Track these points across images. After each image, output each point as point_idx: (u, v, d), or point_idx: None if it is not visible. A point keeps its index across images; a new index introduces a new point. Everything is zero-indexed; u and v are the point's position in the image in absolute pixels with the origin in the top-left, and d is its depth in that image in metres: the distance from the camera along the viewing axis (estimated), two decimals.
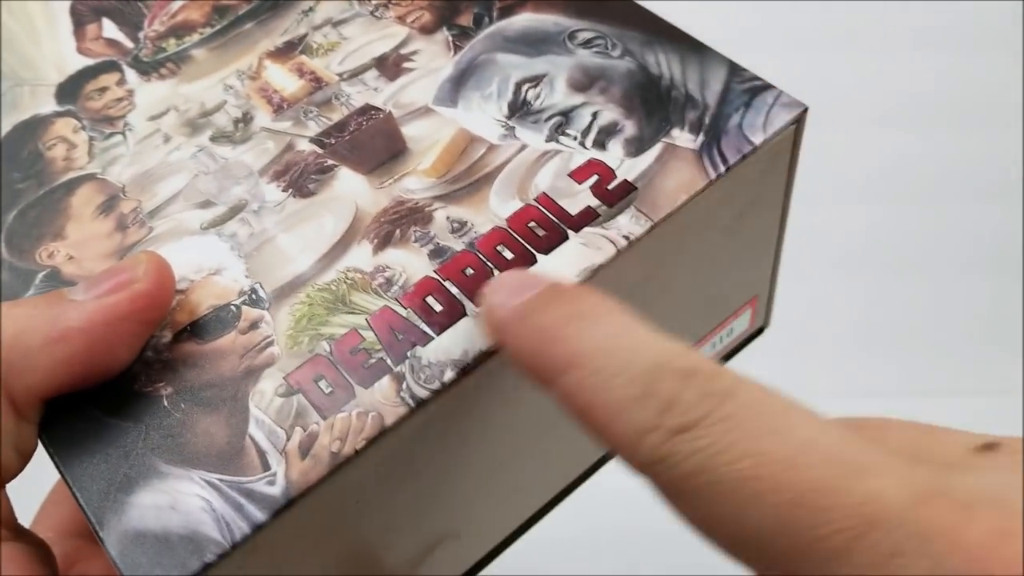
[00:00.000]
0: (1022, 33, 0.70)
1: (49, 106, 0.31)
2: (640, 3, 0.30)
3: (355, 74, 0.30)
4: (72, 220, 0.28)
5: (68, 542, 0.31)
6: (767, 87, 0.27)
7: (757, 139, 0.26)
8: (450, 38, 0.30)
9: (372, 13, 0.32)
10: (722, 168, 0.26)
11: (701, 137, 0.27)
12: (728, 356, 0.35)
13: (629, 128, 0.27)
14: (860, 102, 0.69)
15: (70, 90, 0.31)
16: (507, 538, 0.31)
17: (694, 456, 0.18)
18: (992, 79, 0.69)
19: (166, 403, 0.24)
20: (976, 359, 0.59)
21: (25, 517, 0.27)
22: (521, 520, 0.31)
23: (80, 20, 0.33)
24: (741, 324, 0.34)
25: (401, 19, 0.31)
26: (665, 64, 0.28)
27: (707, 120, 0.27)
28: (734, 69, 0.28)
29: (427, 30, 0.31)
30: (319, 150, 0.28)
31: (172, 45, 0.32)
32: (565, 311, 0.21)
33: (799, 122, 0.27)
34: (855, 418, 0.21)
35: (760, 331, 0.36)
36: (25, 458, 0.24)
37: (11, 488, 0.25)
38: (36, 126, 0.30)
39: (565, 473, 0.32)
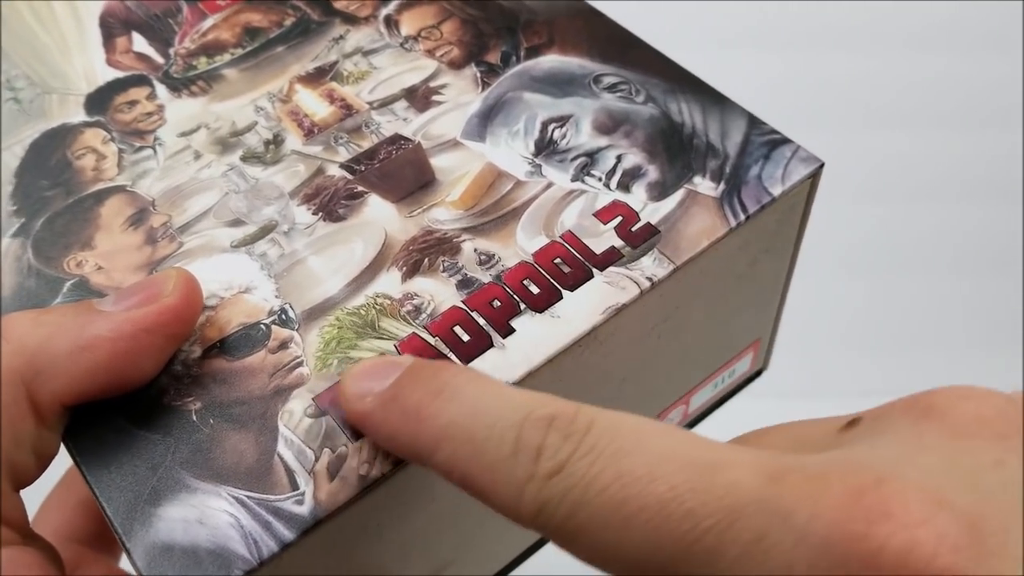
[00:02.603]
0: (1022, 33, 0.70)
1: (78, 116, 0.31)
2: (657, 50, 0.31)
3: (385, 103, 0.31)
4: (101, 230, 0.28)
5: (68, 547, 0.31)
6: (785, 141, 0.29)
7: (776, 191, 0.28)
8: (478, 74, 0.31)
9: (402, 45, 0.32)
10: (742, 216, 0.27)
11: (722, 186, 0.28)
12: (727, 396, 0.36)
13: (652, 172, 0.28)
14: (860, 102, 0.69)
15: (99, 101, 0.31)
16: (518, 558, 0.32)
17: (569, 494, 0.18)
18: (992, 79, 0.69)
19: (195, 418, 0.24)
20: (976, 359, 0.59)
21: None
22: (531, 542, 0.32)
23: (110, 32, 0.34)
24: (743, 366, 0.35)
25: (430, 52, 0.32)
26: (687, 112, 0.30)
27: (728, 169, 0.28)
28: (753, 122, 0.29)
29: (456, 65, 0.32)
30: (349, 176, 0.29)
31: (203, 63, 0.32)
32: (426, 390, 0.21)
33: (814, 177, 0.28)
34: (737, 437, 0.22)
35: (759, 373, 0.37)
36: (43, 464, 0.24)
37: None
38: (65, 135, 0.30)
39: None
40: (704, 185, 0.28)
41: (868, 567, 0.16)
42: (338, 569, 0.25)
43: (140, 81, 0.32)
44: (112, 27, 0.34)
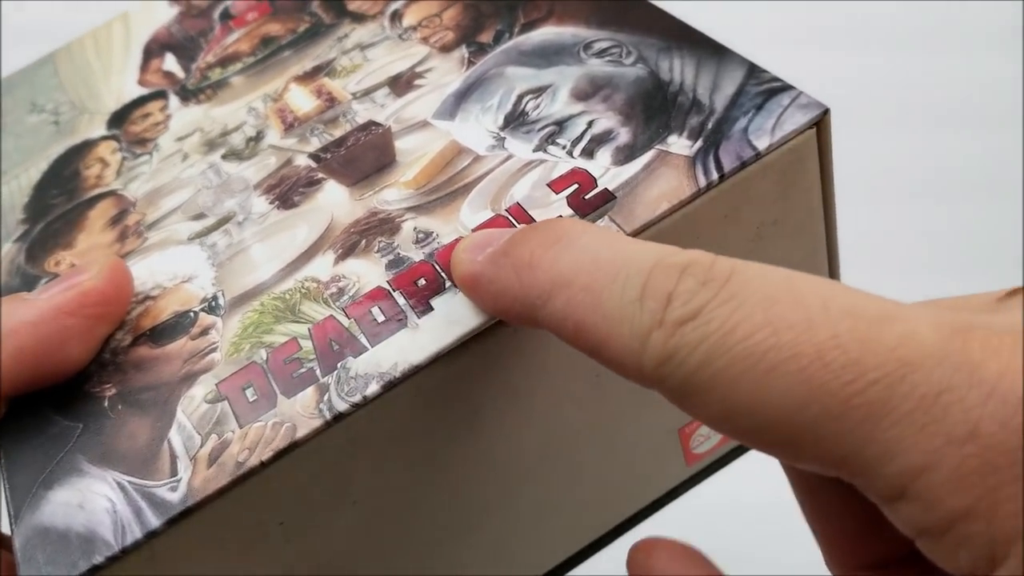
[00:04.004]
0: (1022, 33, 0.67)
1: (99, 131, 0.32)
2: (664, 7, 0.28)
3: (367, 93, 0.29)
4: (84, 231, 0.29)
5: None
6: (785, 88, 0.24)
7: (762, 144, 0.23)
8: (467, 55, 0.29)
9: (400, 36, 0.31)
10: (715, 176, 0.23)
11: (699, 143, 0.24)
12: None
13: (623, 136, 0.25)
14: (859, 102, 0.65)
15: (120, 117, 0.33)
16: None
17: (704, 342, 0.16)
18: (992, 79, 0.66)
19: (106, 404, 0.23)
20: None
21: None
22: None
23: (149, 55, 0.35)
24: None
25: (425, 40, 0.30)
26: (679, 70, 0.26)
27: (710, 125, 0.24)
28: (752, 71, 0.25)
29: (447, 48, 0.30)
30: (313, 164, 0.28)
31: (217, 74, 0.33)
32: (539, 240, 0.19)
33: (820, 126, 0.23)
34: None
35: None
36: None
37: None
38: (83, 148, 0.32)
39: (579, 530, 0.29)
40: (679, 144, 0.24)
41: None
42: (249, 570, 0.23)
43: (158, 96, 0.33)
44: (152, 51, 0.35)
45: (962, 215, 0.61)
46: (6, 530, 0.26)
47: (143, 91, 0.33)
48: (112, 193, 0.30)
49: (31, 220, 0.30)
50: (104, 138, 0.32)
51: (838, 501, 0.21)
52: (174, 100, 0.32)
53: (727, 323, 0.16)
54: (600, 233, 0.19)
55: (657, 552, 0.24)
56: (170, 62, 0.34)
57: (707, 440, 0.29)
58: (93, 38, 0.37)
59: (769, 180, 0.24)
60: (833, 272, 0.27)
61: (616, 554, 0.29)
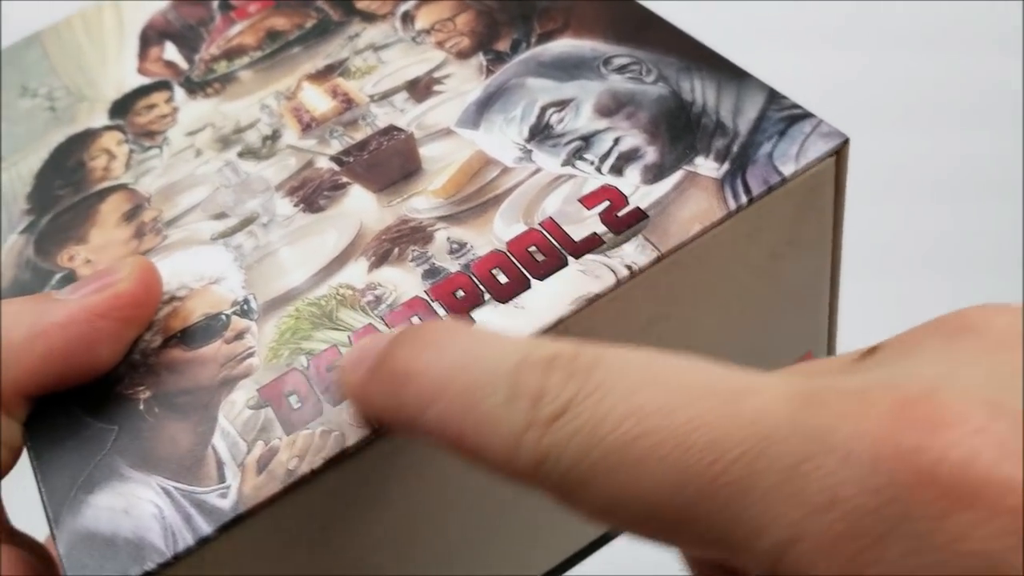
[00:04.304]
0: (1022, 33, 0.68)
1: (101, 120, 0.32)
2: (677, 26, 0.29)
3: (385, 96, 0.30)
4: (97, 226, 0.28)
5: None
6: (806, 116, 0.25)
7: (787, 170, 0.24)
8: (485, 63, 0.30)
9: (413, 39, 0.31)
10: (744, 199, 0.24)
11: (726, 166, 0.25)
12: None
13: (650, 154, 0.25)
14: (859, 102, 0.67)
15: (122, 106, 0.32)
16: None
17: (575, 438, 0.16)
18: (992, 79, 0.67)
19: (142, 407, 0.23)
20: None
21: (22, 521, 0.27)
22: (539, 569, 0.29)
23: (147, 42, 0.34)
24: None
25: (440, 44, 0.31)
26: (700, 90, 0.27)
27: (735, 148, 0.25)
28: (773, 97, 0.26)
29: (464, 55, 0.30)
30: (336, 167, 0.28)
31: (223, 67, 0.33)
32: (412, 348, 0.19)
33: (840, 154, 0.25)
34: None
35: None
36: (13, 455, 0.24)
37: (9, 493, 0.25)
38: (85, 138, 0.31)
39: (580, 531, 0.30)
40: (706, 166, 0.25)
41: (923, 482, 0.14)
42: (281, 572, 0.23)
43: (162, 86, 0.32)
44: (150, 38, 0.35)
45: (962, 215, 0.62)
46: (23, 529, 0.26)
47: (144, 80, 0.33)
48: (123, 187, 0.29)
49: (36, 211, 0.29)
50: (107, 128, 0.31)
51: None
52: (179, 92, 0.32)
53: (595, 415, 0.16)
54: (468, 333, 0.19)
55: None
56: (171, 51, 0.34)
57: None
58: (83, 19, 0.36)
59: (790, 203, 0.25)
60: (835, 283, 0.29)
61: (610, 555, 0.30)
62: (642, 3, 0.30)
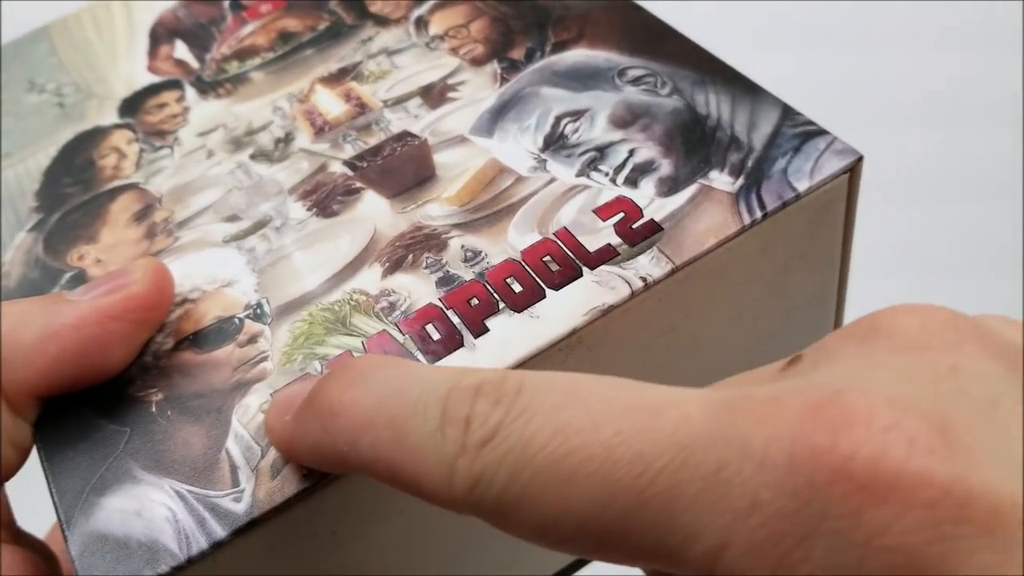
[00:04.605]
0: (1022, 33, 0.69)
1: (111, 118, 0.32)
2: (693, 40, 0.29)
3: (399, 101, 0.30)
4: (107, 225, 0.28)
5: None
6: (820, 132, 0.25)
7: (802, 186, 0.24)
8: (499, 70, 0.30)
9: (427, 44, 0.31)
10: (759, 214, 0.24)
11: (741, 180, 0.25)
12: None
13: (665, 167, 0.26)
14: (860, 102, 0.68)
15: (132, 104, 0.32)
16: None
17: (505, 459, 0.16)
18: (992, 79, 0.68)
19: (154, 409, 0.23)
20: None
21: (29, 521, 0.27)
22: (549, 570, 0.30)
23: (157, 40, 0.34)
24: None
25: (454, 51, 0.31)
26: (715, 104, 0.27)
27: (750, 163, 0.25)
28: (787, 112, 0.26)
29: (478, 62, 0.30)
30: (350, 172, 0.28)
31: (234, 67, 0.32)
32: (337, 384, 0.19)
33: (853, 171, 0.25)
34: None
35: None
36: (22, 455, 0.24)
37: (14, 493, 0.25)
38: (95, 136, 0.31)
39: None
40: (721, 180, 0.25)
41: (838, 480, 0.14)
42: (294, 573, 0.23)
43: (172, 85, 0.32)
44: (160, 36, 0.35)
45: (962, 215, 0.62)
46: (28, 529, 0.26)
47: (154, 78, 0.33)
48: (134, 186, 0.29)
49: (45, 209, 0.29)
50: (117, 126, 0.31)
51: None
52: (191, 92, 0.32)
53: (523, 437, 0.16)
54: (395, 365, 0.19)
55: None
56: (181, 50, 0.34)
57: None
58: (91, 15, 0.36)
59: (803, 219, 0.25)
60: (841, 295, 0.29)
61: None
62: (652, 5, 0.30)
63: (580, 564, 0.30)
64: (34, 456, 0.24)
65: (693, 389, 0.17)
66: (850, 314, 0.30)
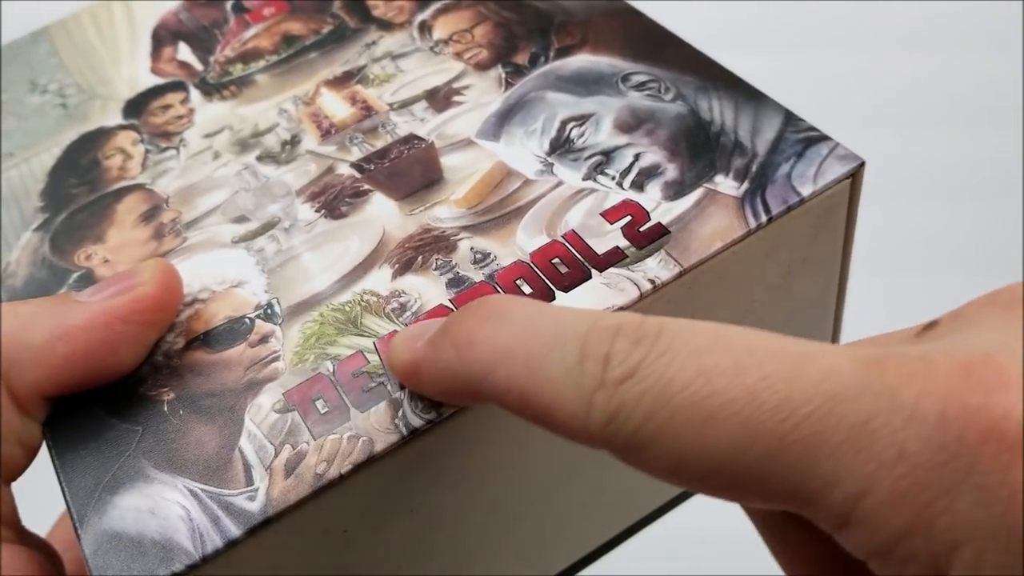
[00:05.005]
0: (1022, 33, 0.70)
1: (115, 119, 0.32)
2: (697, 48, 0.29)
3: (405, 105, 0.30)
4: (114, 225, 0.28)
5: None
6: (823, 138, 0.26)
7: (805, 190, 0.25)
8: (503, 75, 0.30)
9: (432, 49, 0.32)
10: (764, 218, 0.25)
11: (746, 185, 0.25)
12: None
13: (671, 171, 0.26)
14: (860, 102, 0.68)
15: (136, 106, 0.32)
16: None
17: (644, 397, 0.17)
18: (992, 79, 0.69)
19: (166, 408, 0.23)
20: None
21: (33, 521, 0.27)
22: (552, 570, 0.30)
23: (159, 42, 0.34)
24: None
25: (458, 55, 0.31)
26: (718, 110, 0.27)
27: (754, 168, 0.26)
28: (790, 118, 0.27)
29: (482, 67, 0.31)
30: (357, 174, 0.28)
31: (238, 69, 0.33)
32: (474, 318, 0.20)
33: (855, 176, 0.26)
34: None
35: None
36: (30, 455, 0.24)
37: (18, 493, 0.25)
38: (99, 137, 0.31)
39: (589, 534, 0.30)
40: (726, 184, 0.25)
41: (989, 438, 0.15)
42: (305, 574, 0.23)
43: (177, 87, 0.32)
44: (162, 38, 0.35)
45: (962, 215, 0.62)
46: (33, 528, 0.26)
47: (158, 80, 0.33)
48: (140, 187, 0.29)
49: (51, 209, 0.29)
50: (122, 127, 0.31)
51: (798, 535, 0.22)
52: (195, 93, 0.32)
53: (664, 375, 0.17)
54: (532, 305, 0.20)
55: None
56: (184, 52, 0.34)
57: None
58: (91, 16, 0.36)
59: (806, 223, 0.26)
60: (841, 297, 0.30)
61: (617, 560, 0.31)
62: (647, 4, 0.31)
63: (583, 564, 0.30)
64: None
65: (837, 345, 0.17)
66: (849, 315, 0.31)
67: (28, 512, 0.26)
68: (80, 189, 0.30)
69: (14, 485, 0.25)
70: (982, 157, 0.66)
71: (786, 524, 0.22)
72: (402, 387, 0.23)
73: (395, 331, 0.24)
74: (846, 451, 0.15)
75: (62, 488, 0.23)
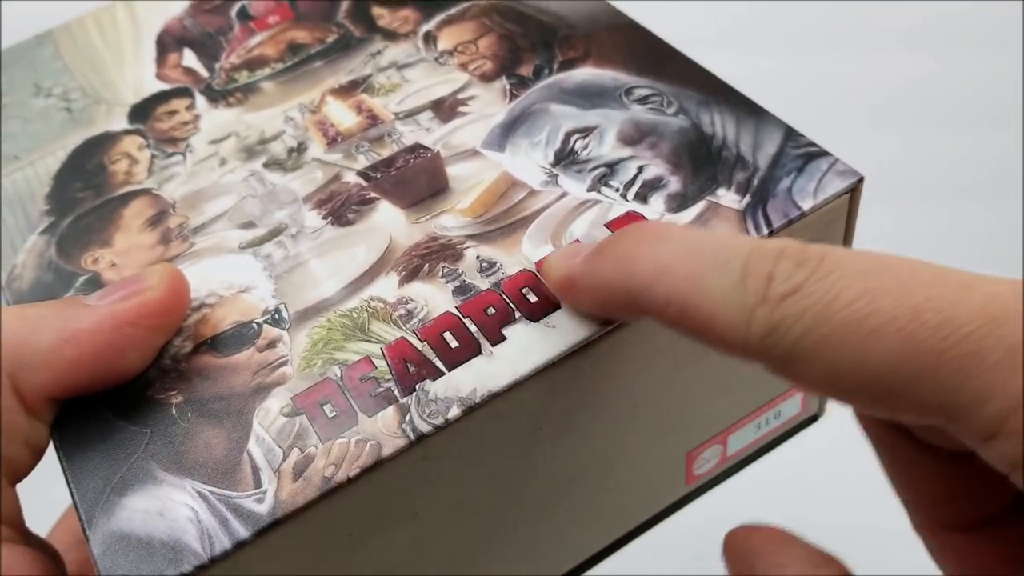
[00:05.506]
0: (1022, 33, 0.70)
1: (120, 124, 0.32)
2: (697, 62, 0.30)
3: (411, 114, 0.30)
4: (121, 230, 0.28)
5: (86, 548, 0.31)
6: (823, 154, 0.26)
7: (806, 205, 0.25)
8: (508, 86, 0.30)
9: (436, 59, 0.32)
10: (765, 231, 0.25)
11: (747, 198, 0.26)
12: (775, 442, 0.34)
13: (674, 184, 0.27)
14: (859, 102, 0.68)
15: (142, 111, 0.32)
16: None
17: (807, 313, 0.18)
18: (992, 79, 0.69)
19: (174, 411, 0.24)
20: None
21: (36, 523, 0.27)
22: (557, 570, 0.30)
23: (164, 48, 0.35)
24: (791, 408, 0.33)
25: (463, 66, 0.32)
26: (720, 124, 0.28)
27: (756, 182, 0.26)
28: (790, 134, 0.27)
29: (487, 78, 0.31)
30: (363, 182, 0.28)
31: (244, 76, 0.33)
32: (633, 238, 0.21)
33: (854, 191, 0.26)
34: None
35: (814, 418, 0.34)
36: (36, 456, 0.24)
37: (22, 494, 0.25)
38: (105, 141, 0.31)
39: (591, 538, 0.31)
40: (728, 198, 0.26)
41: None
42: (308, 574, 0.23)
43: (182, 93, 0.33)
44: (167, 44, 0.35)
45: (962, 215, 0.63)
46: (34, 529, 0.26)
47: (163, 86, 0.33)
48: (147, 192, 0.29)
49: (57, 212, 0.29)
50: (128, 132, 0.32)
51: (923, 464, 0.24)
52: (201, 100, 0.32)
53: (827, 295, 0.18)
54: (690, 228, 0.21)
55: (756, 536, 0.26)
56: (189, 58, 0.34)
57: (707, 463, 0.31)
58: (95, 20, 0.37)
59: (806, 236, 0.26)
60: None
61: (619, 563, 0.31)
62: (647, 4, 0.31)
63: (587, 566, 0.31)
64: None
65: (997, 277, 0.18)
66: None
67: (30, 513, 0.27)
68: (86, 193, 0.30)
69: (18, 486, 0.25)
70: (982, 158, 0.66)
71: (913, 453, 0.24)
72: (409, 391, 0.23)
73: (402, 337, 0.24)
74: (1001, 369, 0.16)
75: (70, 489, 0.23)
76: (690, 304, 0.19)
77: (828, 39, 0.72)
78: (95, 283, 0.27)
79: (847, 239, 0.28)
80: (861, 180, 0.26)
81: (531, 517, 0.27)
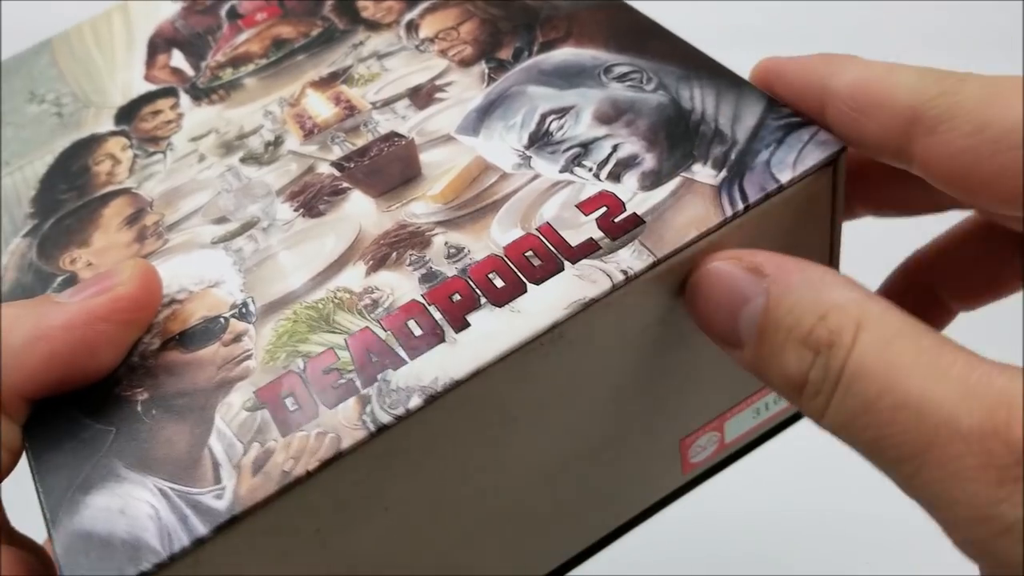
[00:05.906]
0: (1022, 33, 0.68)
1: (107, 126, 0.32)
2: (681, 37, 0.29)
3: (387, 103, 0.30)
4: (100, 230, 0.28)
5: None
6: (804, 124, 0.25)
7: (784, 177, 0.24)
8: (486, 71, 0.30)
9: (417, 47, 0.32)
10: (740, 206, 0.24)
11: (723, 173, 0.25)
12: (776, 429, 0.32)
13: (648, 161, 0.26)
14: None
15: (128, 112, 0.32)
16: None
17: None
18: None
19: (139, 408, 0.23)
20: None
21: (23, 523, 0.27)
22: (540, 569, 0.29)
23: (154, 50, 0.35)
24: None
25: (443, 53, 0.31)
26: (699, 98, 0.27)
27: (733, 156, 0.25)
28: (771, 105, 0.26)
29: (466, 63, 0.30)
30: (337, 173, 0.28)
31: (228, 74, 0.33)
32: None
33: (836, 162, 0.25)
34: None
35: None
36: (13, 458, 0.24)
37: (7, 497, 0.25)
38: (91, 143, 0.32)
39: (575, 536, 0.30)
40: (703, 173, 0.25)
41: None
42: (276, 573, 0.23)
43: (168, 93, 0.33)
44: (158, 46, 0.35)
45: (961, 216, 0.63)
46: (23, 530, 0.26)
47: (150, 87, 0.33)
48: (126, 191, 0.29)
49: (40, 215, 0.30)
50: (113, 133, 0.32)
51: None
52: (185, 99, 0.32)
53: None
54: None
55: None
56: (178, 59, 0.34)
57: (703, 451, 0.30)
58: (92, 28, 0.37)
59: (788, 211, 0.25)
60: None
61: (612, 555, 0.30)
62: (643, 5, 0.30)
63: (571, 565, 0.30)
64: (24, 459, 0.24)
65: None
66: None
67: (27, 514, 0.27)
68: (69, 195, 0.30)
69: (4, 487, 0.25)
70: None
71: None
72: (371, 382, 0.22)
73: (367, 327, 0.24)
74: None
75: (36, 488, 0.23)
76: None
77: (828, 39, 0.72)
78: (71, 283, 0.27)
79: (834, 216, 0.26)
80: (843, 150, 0.25)
81: (514, 511, 0.27)
